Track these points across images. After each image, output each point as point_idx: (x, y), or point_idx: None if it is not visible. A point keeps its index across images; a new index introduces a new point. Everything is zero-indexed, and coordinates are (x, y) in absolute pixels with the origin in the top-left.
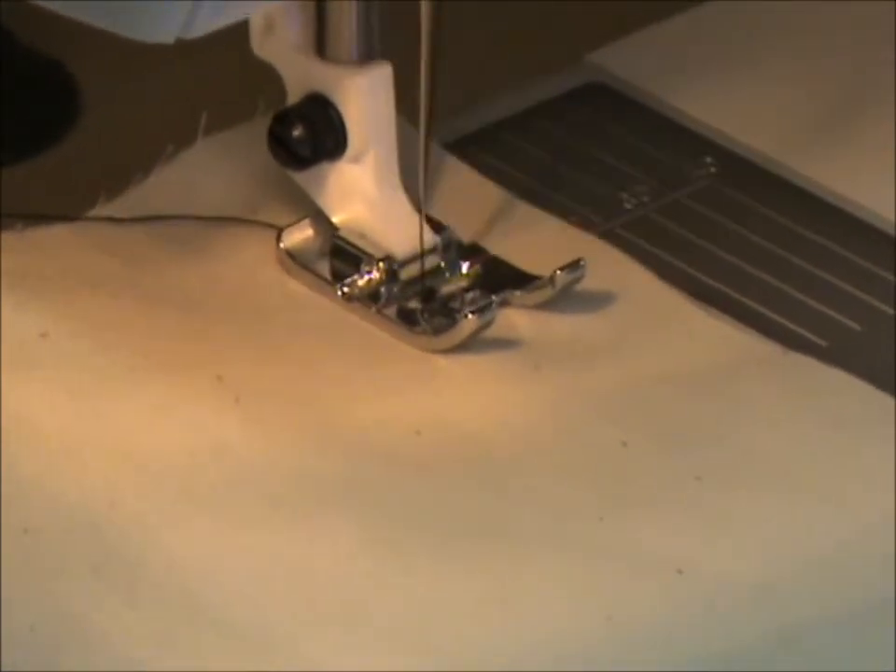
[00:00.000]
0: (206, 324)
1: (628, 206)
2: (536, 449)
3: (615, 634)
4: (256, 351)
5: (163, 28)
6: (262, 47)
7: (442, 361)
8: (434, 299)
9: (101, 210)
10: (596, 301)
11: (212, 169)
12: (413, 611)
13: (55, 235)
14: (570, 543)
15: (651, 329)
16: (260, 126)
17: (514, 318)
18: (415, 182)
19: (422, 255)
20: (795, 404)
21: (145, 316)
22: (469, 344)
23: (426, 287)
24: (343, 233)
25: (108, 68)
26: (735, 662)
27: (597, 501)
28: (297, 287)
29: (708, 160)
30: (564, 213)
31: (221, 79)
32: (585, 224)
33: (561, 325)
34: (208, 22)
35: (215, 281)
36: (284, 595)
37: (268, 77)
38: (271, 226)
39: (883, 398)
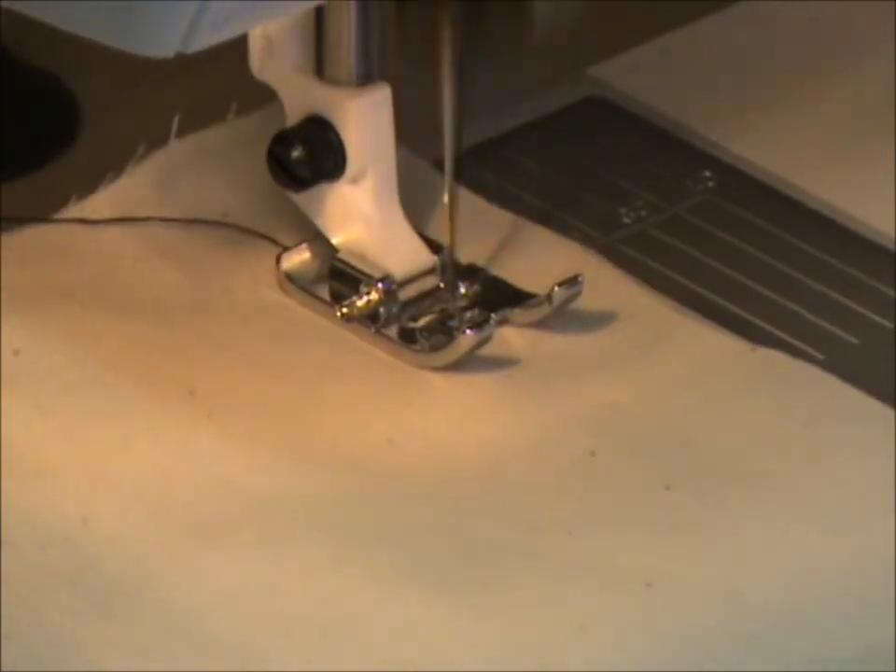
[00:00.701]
0: (178, 335)
1: (627, 221)
2: (507, 462)
3: (587, 644)
4: (228, 363)
5: (163, 42)
6: (262, 68)
7: (433, 378)
8: (433, 318)
9: (72, 210)
10: (592, 317)
11: (184, 170)
12: (383, 625)
13: (28, 238)
14: (540, 557)
15: (645, 345)
16: (233, 128)
17: (510, 336)
18: (414, 203)
19: (428, 271)
20: (764, 402)
21: (116, 328)
22: (465, 362)
23: (425, 306)
24: (342, 255)
25: (107, 83)
26: (706, 670)
27: (567, 514)
28: (270, 295)
29: (707, 174)
30: (562, 227)
31: (202, 83)
32: (584, 239)
33: (554, 342)
34: (208, 37)
35: (187, 287)
36: (255, 608)
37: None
38: (242, 229)
39: (853, 393)
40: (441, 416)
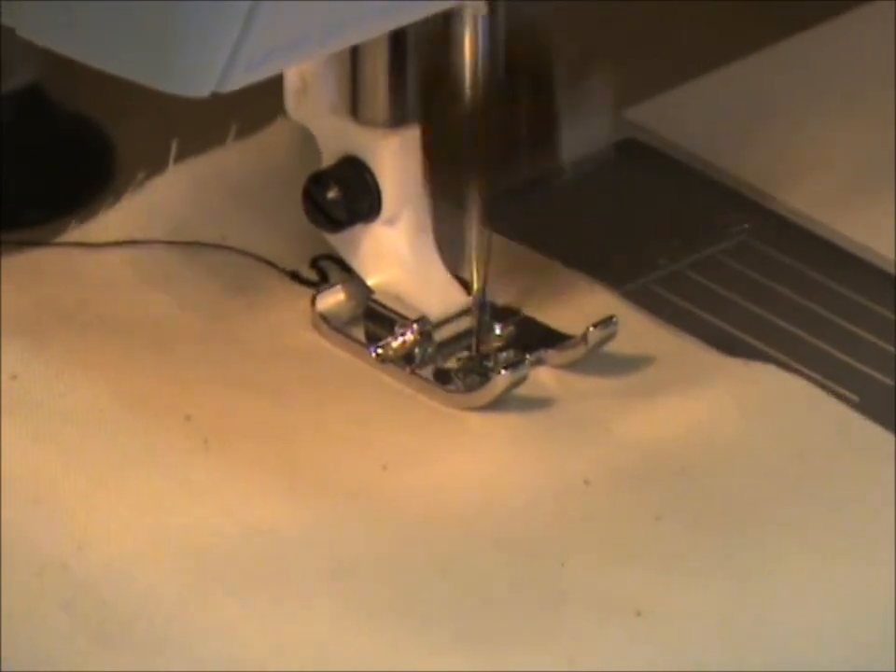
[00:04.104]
0: (176, 359)
1: (662, 262)
2: (503, 493)
3: None
4: (225, 389)
5: (199, 81)
6: (297, 108)
7: (465, 416)
8: (468, 358)
9: (72, 234)
10: (623, 360)
11: (182, 194)
12: (376, 653)
13: (28, 262)
14: (532, 588)
15: (677, 388)
16: (231, 152)
17: (544, 377)
18: (448, 244)
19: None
20: (756, 424)
21: (114, 353)
22: (499, 403)
23: (460, 347)
24: (377, 296)
25: (143, 127)
26: None
27: (559, 545)
28: (267, 318)
29: (742, 216)
30: (597, 268)
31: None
32: (619, 280)
33: (587, 384)
34: (244, 76)
35: (185, 311)
36: (250, 635)
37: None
38: (241, 252)
39: (854, 417)
40: (445, 449)
